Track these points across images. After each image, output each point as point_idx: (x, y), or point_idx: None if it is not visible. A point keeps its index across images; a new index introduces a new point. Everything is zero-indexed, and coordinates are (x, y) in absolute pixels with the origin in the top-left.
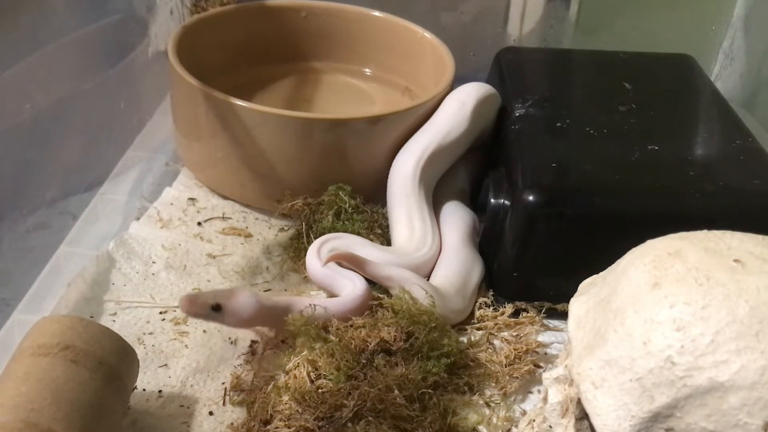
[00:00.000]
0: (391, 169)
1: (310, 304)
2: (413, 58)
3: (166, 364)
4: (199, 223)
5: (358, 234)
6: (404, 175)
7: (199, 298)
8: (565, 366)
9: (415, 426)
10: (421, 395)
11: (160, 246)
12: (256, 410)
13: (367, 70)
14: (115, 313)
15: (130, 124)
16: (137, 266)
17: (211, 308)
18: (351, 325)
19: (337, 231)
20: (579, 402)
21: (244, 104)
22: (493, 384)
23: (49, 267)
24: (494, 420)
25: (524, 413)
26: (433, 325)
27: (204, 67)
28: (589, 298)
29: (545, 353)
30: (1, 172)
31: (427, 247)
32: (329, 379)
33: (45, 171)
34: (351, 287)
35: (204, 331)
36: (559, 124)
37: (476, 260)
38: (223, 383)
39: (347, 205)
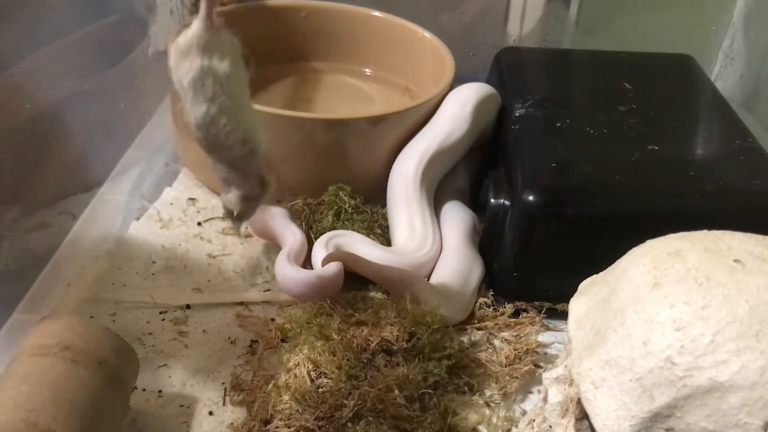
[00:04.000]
0: (392, 170)
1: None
2: (413, 58)
3: (166, 364)
4: (199, 223)
5: None
6: (405, 176)
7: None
8: (565, 366)
9: (415, 426)
10: (422, 395)
11: (160, 246)
12: (256, 410)
13: (367, 70)
14: (115, 313)
15: (130, 124)
16: (137, 266)
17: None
18: (353, 324)
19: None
20: (579, 402)
21: None
22: (493, 384)
23: (49, 267)
24: (494, 420)
25: (524, 413)
26: (435, 326)
27: None
28: (589, 298)
29: (545, 353)
30: (1, 172)
31: (428, 247)
32: (330, 378)
33: (45, 171)
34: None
35: (204, 331)
36: (559, 124)
37: (476, 260)
38: (223, 383)
39: (347, 205)
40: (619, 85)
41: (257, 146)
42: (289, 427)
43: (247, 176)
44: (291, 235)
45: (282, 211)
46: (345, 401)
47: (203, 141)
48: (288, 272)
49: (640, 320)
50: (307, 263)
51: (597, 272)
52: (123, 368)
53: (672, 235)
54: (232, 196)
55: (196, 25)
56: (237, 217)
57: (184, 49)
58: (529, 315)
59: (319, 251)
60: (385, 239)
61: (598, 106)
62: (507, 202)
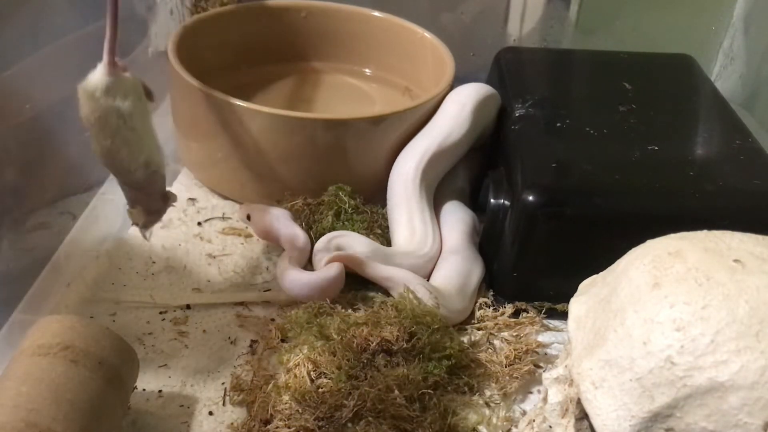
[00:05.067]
0: (392, 170)
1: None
2: (413, 58)
3: (166, 364)
4: (199, 223)
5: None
6: (405, 176)
7: (242, 208)
8: (565, 366)
9: (415, 426)
10: (422, 395)
11: (160, 246)
12: (256, 410)
13: (367, 70)
14: (115, 313)
15: None
16: (137, 266)
17: (246, 217)
18: (353, 324)
19: (337, 231)
20: (579, 402)
21: (244, 104)
22: (493, 384)
23: (49, 267)
24: (494, 420)
25: (524, 413)
26: (436, 326)
27: (204, 67)
28: (589, 298)
29: (545, 353)
30: (1, 172)
31: (428, 247)
32: (330, 378)
33: (45, 171)
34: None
35: (204, 331)
36: (559, 124)
37: (476, 260)
38: (223, 383)
39: (347, 205)
40: (619, 85)
41: (159, 167)
42: (289, 427)
43: (151, 194)
44: (294, 236)
45: (284, 213)
46: (345, 401)
47: (110, 168)
48: (290, 274)
49: (640, 320)
50: (309, 264)
51: (597, 272)
52: (123, 368)
53: (672, 235)
54: (137, 212)
55: (100, 70)
56: (143, 226)
57: (90, 91)
58: (529, 315)
59: (320, 252)
60: (385, 239)
61: (598, 106)
62: (507, 202)
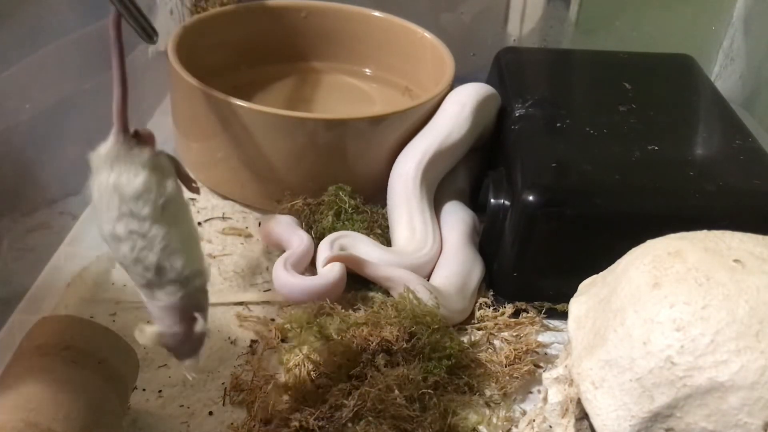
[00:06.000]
0: (392, 170)
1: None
2: (413, 58)
3: (166, 364)
4: (199, 223)
5: None
6: (405, 176)
7: (262, 225)
8: (565, 366)
9: (415, 426)
10: (422, 395)
11: None
12: (256, 410)
13: (367, 70)
14: (115, 313)
15: (130, 124)
16: None
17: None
18: (353, 324)
19: (337, 231)
20: (579, 402)
21: (244, 104)
22: (493, 384)
23: (49, 267)
24: (494, 420)
25: (524, 413)
26: (436, 326)
27: (204, 67)
28: (589, 298)
29: (545, 353)
30: (1, 172)
31: (428, 247)
32: (330, 378)
33: (45, 171)
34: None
35: None
36: (559, 124)
37: (476, 260)
38: (223, 383)
39: (347, 205)
40: (619, 85)
41: (182, 278)
42: (289, 427)
43: (167, 311)
44: (297, 239)
45: (289, 218)
46: (345, 401)
47: (116, 257)
48: (285, 279)
49: (640, 320)
50: (311, 267)
51: (597, 272)
52: (123, 368)
53: (672, 235)
54: (148, 329)
55: (111, 137)
56: (171, 352)
57: (97, 161)
58: (529, 315)
59: (324, 251)
60: (385, 239)
61: (598, 106)
62: (507, 202)
